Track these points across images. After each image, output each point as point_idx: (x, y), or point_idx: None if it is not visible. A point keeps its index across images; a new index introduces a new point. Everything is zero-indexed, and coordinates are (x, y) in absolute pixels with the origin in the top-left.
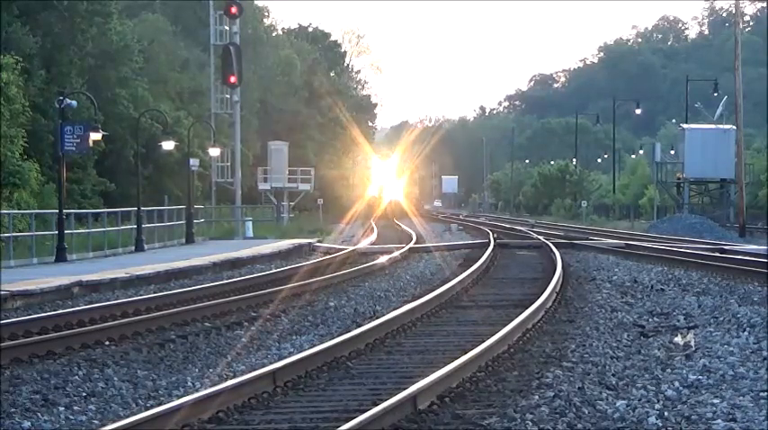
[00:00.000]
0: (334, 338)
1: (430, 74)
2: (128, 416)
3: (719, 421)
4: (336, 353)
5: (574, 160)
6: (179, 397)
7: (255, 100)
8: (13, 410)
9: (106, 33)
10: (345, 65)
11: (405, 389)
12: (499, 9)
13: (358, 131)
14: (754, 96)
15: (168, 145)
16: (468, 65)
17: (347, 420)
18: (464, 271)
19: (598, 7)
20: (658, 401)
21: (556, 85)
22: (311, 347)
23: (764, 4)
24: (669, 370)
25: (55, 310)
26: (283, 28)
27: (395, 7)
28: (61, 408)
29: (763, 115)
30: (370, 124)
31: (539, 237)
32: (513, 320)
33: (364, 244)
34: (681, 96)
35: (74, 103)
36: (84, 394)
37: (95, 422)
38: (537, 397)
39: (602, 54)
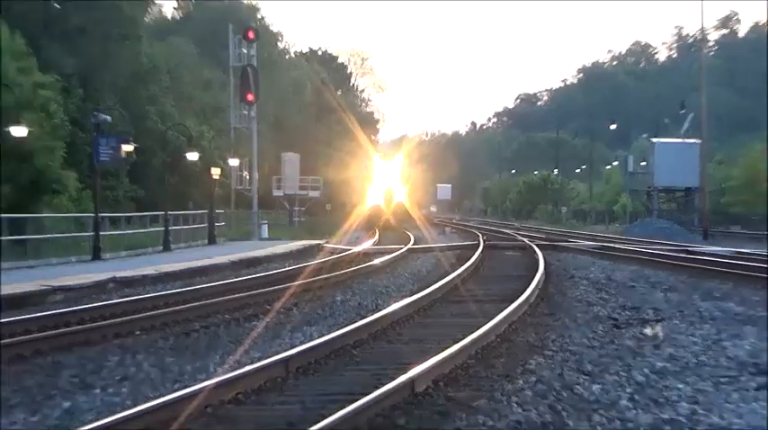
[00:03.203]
0: (340, 329)
1: (427, 92)
2: (156, 398)
3: (684, 403)
4: (343, 342)
5: (555, 170)
6: (202, 381)
7: (270, 115)
8: (54, 392)
9: (136, 56)
10: (351, 84)
11: (403, 374)
12: (490, 33)
13: (363, 136)
14: (716, 113)
15: (192, 156)
16: (462, 84)
17: (352, 402)
18: (456, 269)
19: (578, 32)
20: (629, 386)
21: (539, 103)
22: (320, 337)
23: (727, 31)
24: (639, 358)
25: (91, 303)
26: (296, 51)
27: (396, 31)
28: (97, 391)
29: (724, 130)
30: (372, 138)
31: (523, 239)
32: (500, 313)
33: (368, 244)
34: (651, 113)
35: (108, 118)
36: (118, 378)
37: (128, 402)
38: (521, 381)
39: (580, 75)
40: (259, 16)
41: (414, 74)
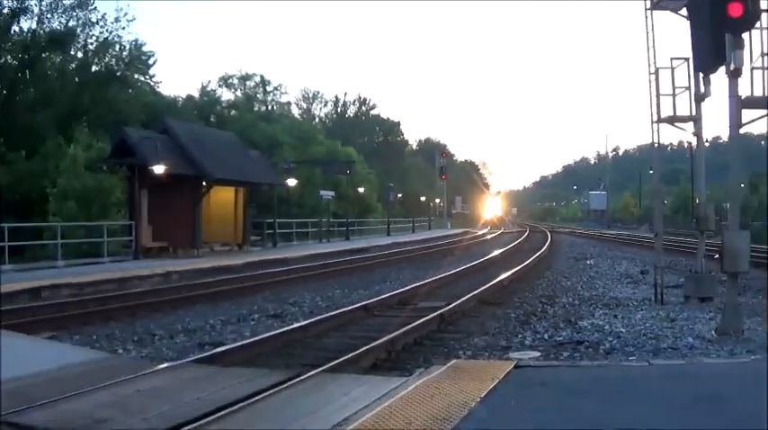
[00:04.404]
0: (473, 263)
1: (507, 169)
2: (407, 286)
3: (600, 289)
4: (474, 268)
5: (554, 203)
6: (425, 279)
7: (451, 184)
8: (348, 289)
9: (401, 166)
10: (479, 171)
11: (496, 278)
12: (527, 150)
13: (485, 190)
14: (611, 182)
15: (422, 198)
16: (519, 170)
17: (475, 289)
18: (518, 239)
19: (563, 146)
20: (581, 282)
21: (547, 180)
22: (465, 265)
23: (615, 152)
24: (585, 272)
25: (383, 252)
26: (460, 160)
27: (504, 139)
28: (377, 288)
29: (614, 188)
30: (487, 190)
31: (544, 228)
32: (533, 256)
33: (485, 230)
34: (589, 182)
35: (391, 184)
36: (391, 279)
37: (392, 289)
38: (542, 281)
39: (562, 169)
40: (446, 146)
41: (501, 164)
